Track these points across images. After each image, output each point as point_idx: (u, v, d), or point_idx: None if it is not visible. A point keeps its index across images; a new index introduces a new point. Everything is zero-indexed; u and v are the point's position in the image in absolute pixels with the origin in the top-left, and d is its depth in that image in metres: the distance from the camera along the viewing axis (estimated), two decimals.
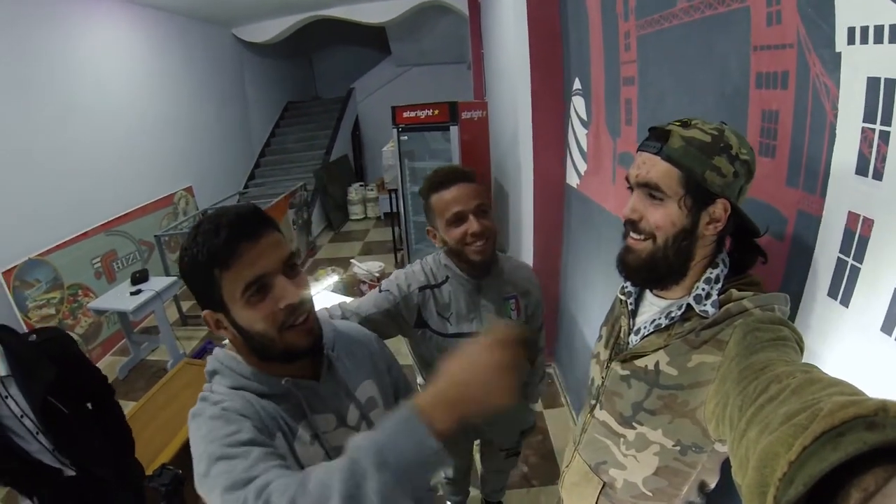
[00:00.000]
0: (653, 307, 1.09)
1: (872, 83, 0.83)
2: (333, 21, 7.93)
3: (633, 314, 1.13)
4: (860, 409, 0.42)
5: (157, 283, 4.38)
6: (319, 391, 1.03)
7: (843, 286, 0.93)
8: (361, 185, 9.47)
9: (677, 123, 0.95)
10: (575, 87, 2.88)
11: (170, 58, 6.48)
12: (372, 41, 10.51)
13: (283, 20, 7.87)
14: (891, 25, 0.78)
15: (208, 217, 0.92)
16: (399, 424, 0.73)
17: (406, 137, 5.12)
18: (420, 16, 8.01)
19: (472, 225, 1.49)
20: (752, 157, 0.94)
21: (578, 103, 2.85)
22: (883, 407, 0.41)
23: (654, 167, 0.94)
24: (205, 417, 0.89)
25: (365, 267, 4.89)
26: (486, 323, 1.60)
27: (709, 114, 1.42)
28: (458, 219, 1.50)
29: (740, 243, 1.02)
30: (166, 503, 1.84)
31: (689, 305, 0.98)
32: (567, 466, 1.34)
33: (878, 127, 0.83)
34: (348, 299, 1.73)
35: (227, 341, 1.02)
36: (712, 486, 1.11)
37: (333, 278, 3.97)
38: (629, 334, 1.12)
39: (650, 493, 1.12)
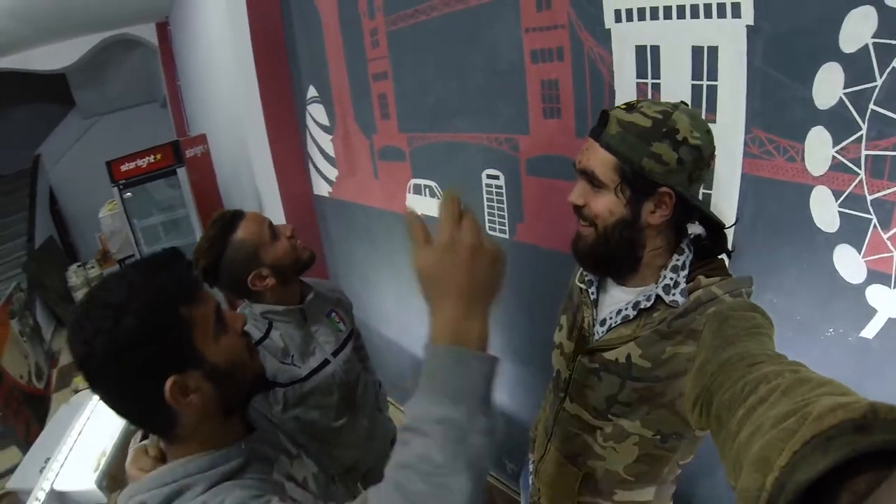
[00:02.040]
0: (617, 297, 1.05)
1: (640, 49, 1.14)
2: (4, 76, 6.44)
3: (595, 303, 1.08)
4: (848, 412, 0.42)
5: None
6: (261, 437, 0.95)
7: None
8: (80, 266, 7.92)
9: (623, 106, 0.92)
10: (311, 96, 2.90)
11: None
12: (52, 94, 8.74)
13: None
14: (651, 7, 1.10)
15: (118, 281, 0.77)
16: (453, 368, 0.67)
17: (130, 194, 4.43)
18: (103, 55, 6.91)
19: (286, 228, 1.51)
20: (707, 140, 0.89)
21: (317, 111, 2.87)
22: (872, 409, 0.41)
23: (593, 154, 0.91)
24: None
25: None
26: (326, 348, 1.57)
27: (482, 89, 1.65)
28: (274, 233, 1.48)
29: (709, 232, 0.98)
30: None
31: (658, 296, 0.95)
32: (541, 459, 1.28)
33: (650, 81, 1.14)
34: None
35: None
36: (689, 460, 1.11)
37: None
38: (594, 325, 1.08)
39: (632, 478, 1.10)
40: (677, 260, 0.94)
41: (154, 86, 8.32)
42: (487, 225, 1.83)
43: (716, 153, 0.92)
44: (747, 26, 0.95)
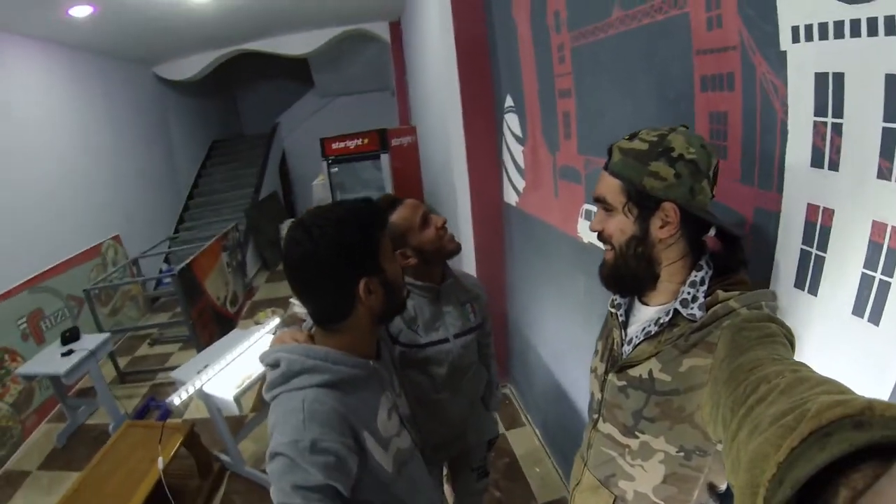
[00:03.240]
0: (642, 316, 1.10)
1: (821, 78, 0.86)
2: (255, 55, 7.79)
3: (625, 325, 1.14)
4: (847, 408, 0.42)
5: (89, 341, 4.08)
6: (385, 364, 1.23)
7: (809, 276, 0.96)
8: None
9: (626, 138, 1.01)
10: (507, 105, 2.92)
11: (90, 99, 6.14)
12: (295, 74, 10.40)
13: (204, 56, 7.66)
14: (835, 22, 0.81)
15: (335, 206, 1.10)
16: None
17: (336, 169, 5.04)
18: (342, 45, 7.98)
19: (438, 220, 1.65)
20: (703, 154, 0.94)
21: (512, 120, 2.88)
22: (869, 406, 0.42)
23: (603, 183, 1.03)
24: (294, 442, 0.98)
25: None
26: (451, 329, 1.72)
27: (652, 120, 1.46)
28: (425, 221, 1.63)
29: (725, 245, 1.03)
30: None
31: (676, 311, 0.99)
32: (577, 484, 1.33)
33: (829, 120, 0.86)
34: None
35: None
36: (722, 487, 1.10)
37: (275, 321, 3.82)
38: (622, 345, 1.13)
39: (662, 502, 1.11)
40: (695, 276, 1.00)
41: (386, 76, 9.15)
42: None
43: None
44: None
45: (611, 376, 1.13)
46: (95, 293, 5.12)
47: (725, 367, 0.80)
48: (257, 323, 3.84)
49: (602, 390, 1.17)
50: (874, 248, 0.82)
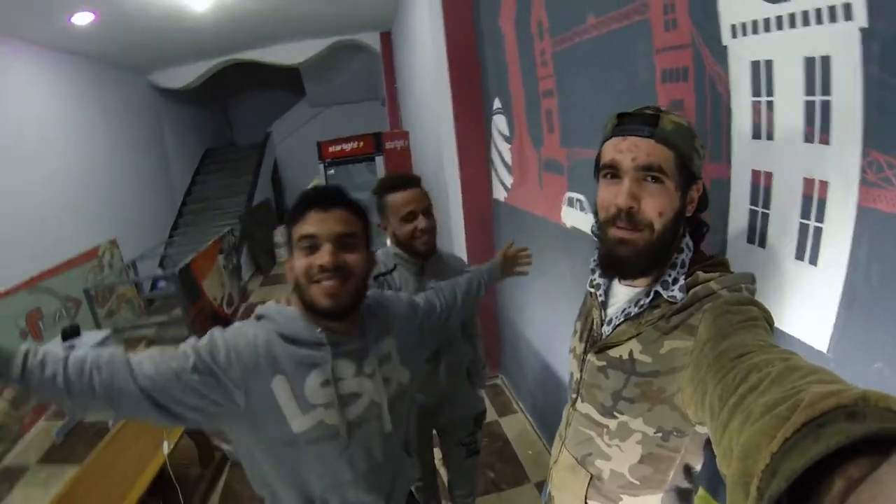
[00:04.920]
0: (623, 296, 1.09)
1: (755, 65, 1.06)
2: (248, 64, 7.97)
3: (605, 305, 1.12)
4: (840, 399, 0.42)
5: (90, 337, 4.18)
6: (347, 343, 1.21)
7: (757, 231, 1.13)
8: (286, 227, 9.38)
9: (651, 109, 0.97)
10: (496, 107, 3.11)
11: (86, 105, 6.26)
12: (287, 84, 10.61)
13: (198, 65, 7.82)
14: (763, 19, 1.01)
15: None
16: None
17: (333, 171, 5.23)
18: (333, 55, 8.17)
19: (421, 222, 1.79)
20: None
21: (500, 121, 3.07)
22: (863, 396, 0.42)
23: (652, 150, 0.92)
24: (214, 335, 1.15)
25: None
26: None
27: (623, 108, 1.63)
28: (410, 216, 1.78)
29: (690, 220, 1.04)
30: None
31: (657, 292, 0.98)
32: (555, 463, 1.32)
33: (763, 99, 1.05)
34: None
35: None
36: (698, 468, 1.12)
37: None
38: (602, 325, 1.11)
39: (637, 482, 1.11)
40: (677, 258, 0.99)
41: (376, 86, 9.36)
42: None
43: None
44: (861, 29, 0.83)
45: (590, 356, 1.12)
46: (93, 294, 5.22)
47: (709, 350, 0.79)
48: None
49: (581, 370, 1.16)
50: (807, 200, 0.99)
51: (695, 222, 1.04)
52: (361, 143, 4.97)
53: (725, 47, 1.13)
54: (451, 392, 2.03)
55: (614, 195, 0.95)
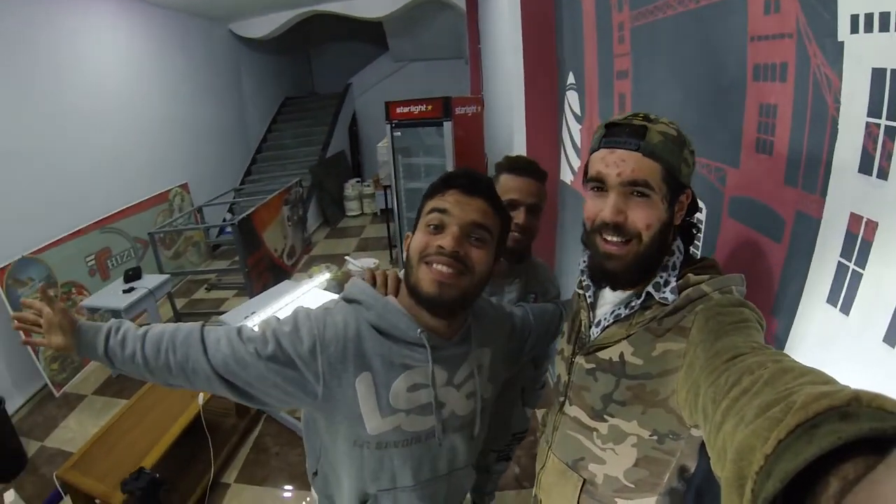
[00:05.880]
0: (611, 298, 1.07)
1: (878, 74, 0.77)
2: (331, 16, 7.85)
3: (593, 307, 1.11)
4: (833, 400, 0.42)
5: (150, 280, 4.33)
6: (446, 349, 1.12)
7: (843, 293, 0.87)
8: (358, 181, 9.41)
9: (640, 117, 0.94)
10: (569, 82, 2.82)
11: (166, 54, 6.39)
12: (369, 36, 10.43)
13: (280, 15, 7.80)
14: None
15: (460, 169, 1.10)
16: None
17: (399, 133, 5.07)
18: (418, 10, 7.93)
19: (520, 216, 1.53)
20: None
21: (573, 98, 2.78)
22: (856, 397, 0.41)
23: (637, 164, 0.91)
24: (299, 320, 1.08)
25: (359, 263, 4.81)
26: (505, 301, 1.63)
27: (704, 106, 1.36)
28: (512, 205, 1.48)
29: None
30: None
31: (648, 294, 0.97)
32: (542, 468, 1.31)
33: (883, 122, 0.77)
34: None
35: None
36: (692, 469, 1.09)
37: (325, 275, 3.89)
38: (590, 327, 1.10)
39: (632, 485, 1.10)
40: (668, 260, 0.98)
41: (461, 44, 9.02)
42: None
43: None
44: None
45: (578, 358, 1.11)
46: (160, 237, 5.37)
47: (701, 352, 0.80)
48: (310, 277, 3.91)
49: (569, 373, 1.15)
50: None
51: (685, 225, 1.02)
52: (430, 107, 4.74)
53: (841, 43, 0.83)
54: (499, 410, 1.85)
55: (600, 209, 0.95)
